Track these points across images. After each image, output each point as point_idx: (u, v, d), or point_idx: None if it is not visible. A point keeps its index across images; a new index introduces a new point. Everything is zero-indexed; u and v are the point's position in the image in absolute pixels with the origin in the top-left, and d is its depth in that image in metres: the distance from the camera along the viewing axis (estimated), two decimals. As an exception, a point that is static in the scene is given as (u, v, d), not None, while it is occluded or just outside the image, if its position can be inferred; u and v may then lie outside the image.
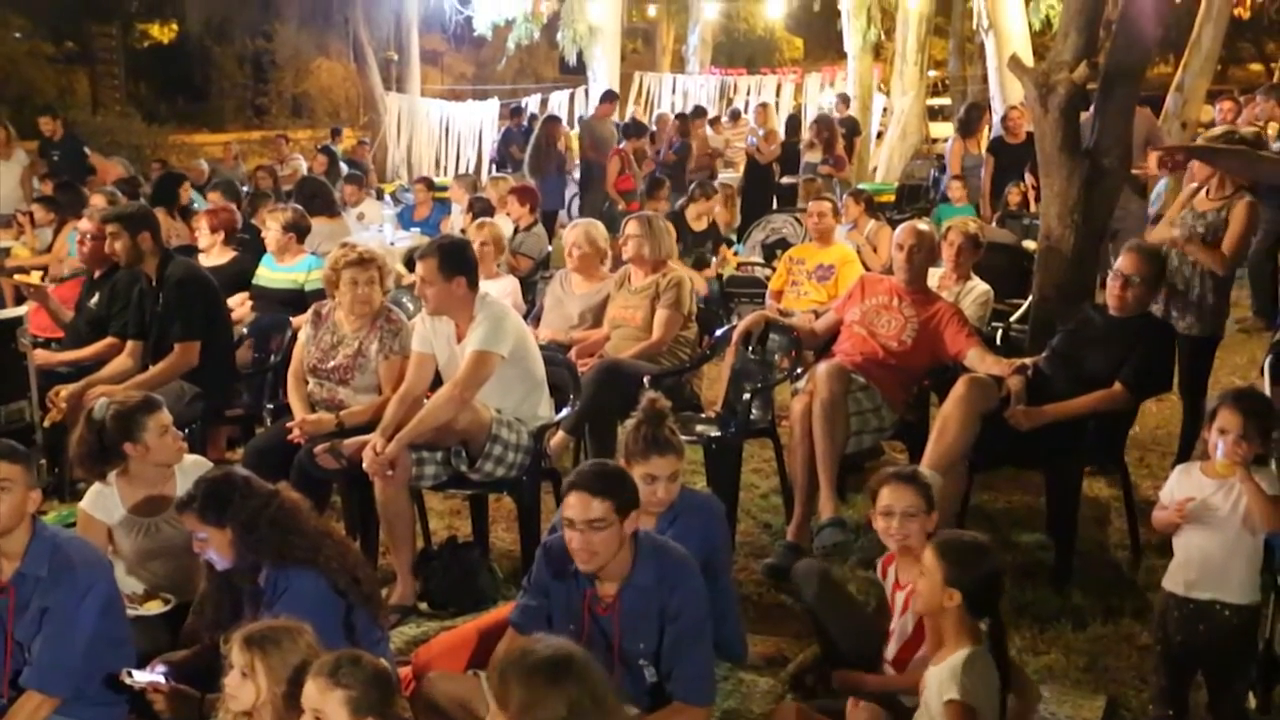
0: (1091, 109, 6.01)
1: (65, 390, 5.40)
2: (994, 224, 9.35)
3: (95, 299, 6.07)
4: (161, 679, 3.27)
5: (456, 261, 4.54)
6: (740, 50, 32.04)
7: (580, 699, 2.36)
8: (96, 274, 6.16)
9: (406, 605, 4.44)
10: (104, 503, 3.97)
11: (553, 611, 3.30)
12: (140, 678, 3.27)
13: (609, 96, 14.74)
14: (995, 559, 3.14)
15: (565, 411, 4.96)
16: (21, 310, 5.98)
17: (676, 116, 15.75)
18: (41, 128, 11.81)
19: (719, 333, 6.04)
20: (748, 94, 21.95)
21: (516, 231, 8.48)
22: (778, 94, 21.82)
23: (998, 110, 13.17)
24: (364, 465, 4.35)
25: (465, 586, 4.49)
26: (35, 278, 6.54)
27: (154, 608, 3.85)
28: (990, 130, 11.79)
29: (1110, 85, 5.84)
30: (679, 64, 24.46)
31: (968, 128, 11.01)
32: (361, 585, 3.46)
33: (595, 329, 6.05)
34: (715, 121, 17.87)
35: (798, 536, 4.84)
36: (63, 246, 8.53)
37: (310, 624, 2.95)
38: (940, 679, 2.95)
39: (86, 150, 12.02)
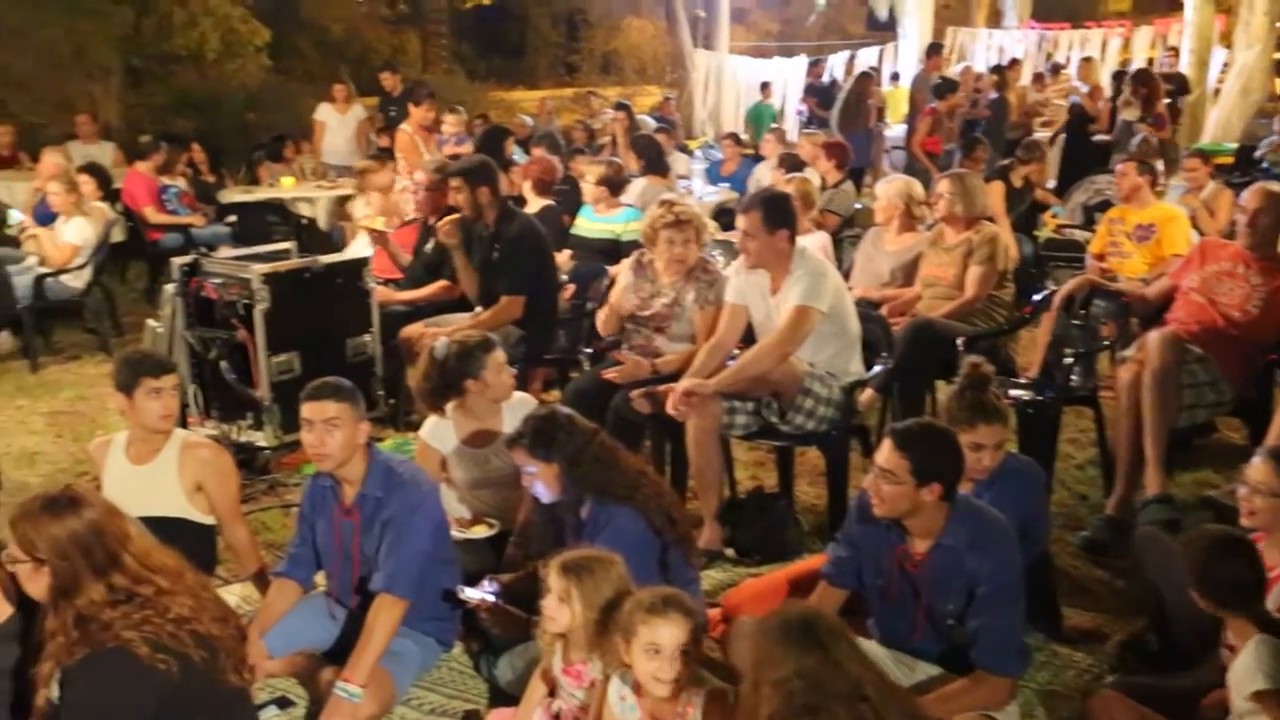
0: None
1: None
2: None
3: (430, 244, 6.48)
4: (492, 597, 3.50)
5: (779, 214, 4.57)
6: (1062, 3, 30.28)
7: (805, 664, 2.36)
8: (431, 221, 6.57)
9: (714, 550, 4.52)
10: (440, 433, 4.26)
11: (863, 564, 3.28)
12: (472, 594, 3.51)
13: (934, 49, 14.62)
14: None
15: (876, 369, 4.91)
16: (367, 252, 6.48)
17: (992, 70, 15.15)
18: (383, 82, 12.57)
19: (1038, 297, 5.80)
20: (1069, 50, 20.76)
21: (824, 188, 8.41)
22: (1103, 50, 20.51)
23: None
24: (667, 406, 4.45)
25: (772, 536, 4.54)
26: (378, 223, 7.05)
27: (480, 532, 4.11)
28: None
29: None
30: (994, 19, 23.38)
31: None
32: (676, 525, 3.58)
33: (906, 287, 5.93)
34: (1039, 78, 17.07)
35: (1118, 511, 4.62)
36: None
37: (628, 559, 3.05)
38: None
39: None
